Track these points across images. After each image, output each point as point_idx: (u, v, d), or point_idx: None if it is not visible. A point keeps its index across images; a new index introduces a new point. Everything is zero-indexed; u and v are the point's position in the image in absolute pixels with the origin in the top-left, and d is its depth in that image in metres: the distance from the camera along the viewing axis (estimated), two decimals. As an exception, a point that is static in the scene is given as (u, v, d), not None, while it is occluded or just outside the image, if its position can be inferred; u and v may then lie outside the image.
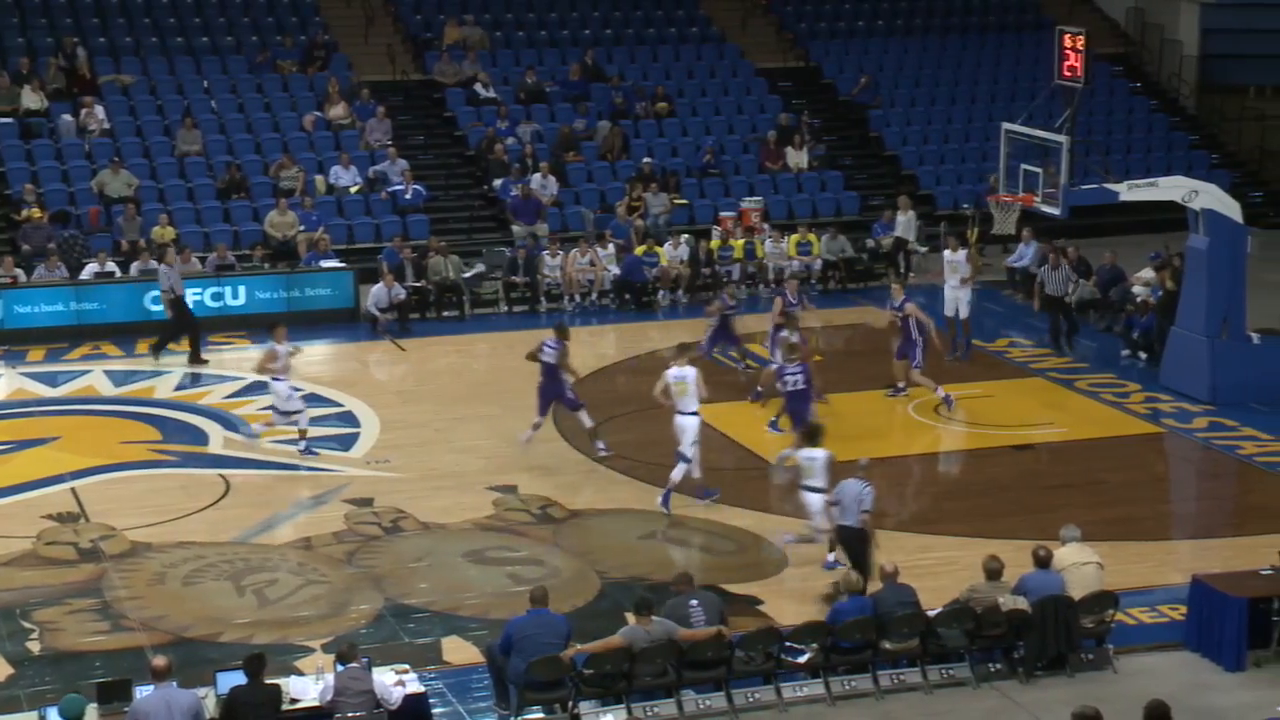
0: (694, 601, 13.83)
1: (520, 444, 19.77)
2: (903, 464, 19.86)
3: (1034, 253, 27.49)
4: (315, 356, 24.50)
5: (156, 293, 25.31)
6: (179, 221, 27.84)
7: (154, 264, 25.98)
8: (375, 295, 25.43)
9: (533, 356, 19.62)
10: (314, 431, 20.87)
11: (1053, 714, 13.47)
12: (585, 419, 19.75)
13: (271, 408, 20.03)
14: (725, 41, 35.09)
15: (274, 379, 19.72)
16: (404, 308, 25.36)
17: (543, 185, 29.72)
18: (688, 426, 17.92)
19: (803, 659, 13.85)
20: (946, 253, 24.26)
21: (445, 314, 26.52)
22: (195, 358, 23.76)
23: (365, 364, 24.10)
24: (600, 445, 19.72)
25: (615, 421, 21.24)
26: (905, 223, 28.92)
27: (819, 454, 16.23)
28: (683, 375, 17.94)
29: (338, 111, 30.95)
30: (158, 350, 23.87)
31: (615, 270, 27.37)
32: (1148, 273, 25.25)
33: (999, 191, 22.94)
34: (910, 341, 21.50)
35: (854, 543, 15.57)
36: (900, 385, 21.93)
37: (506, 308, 26.90)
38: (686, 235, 28.28)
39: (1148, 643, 14.89)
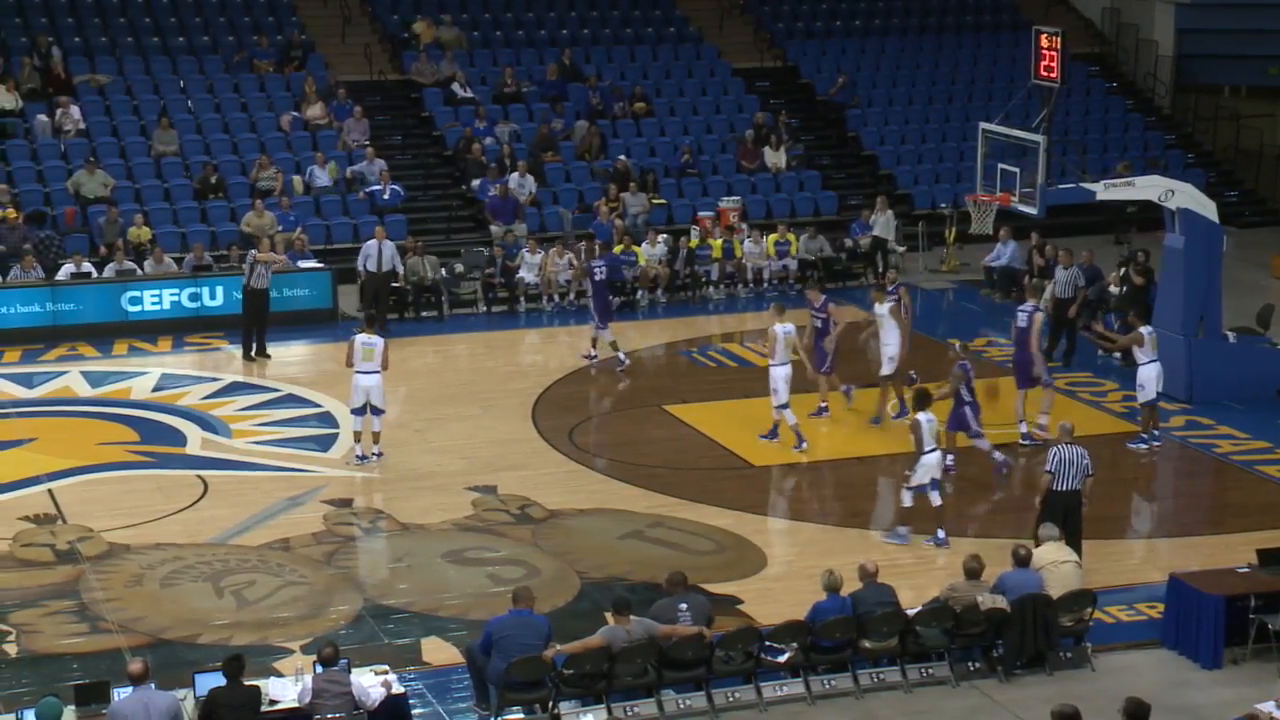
0: (683, 605, 13.82)
1: (618, 369, 23.11)
2: (881, 463, 19.87)
3: (1012, 251, 27.56)
4: (293, 357, 24.46)
5: (133, 294, 25.28)
6: (156, 222, 27.76)
7: (129, 264, 25.93)
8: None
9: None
10: (292, 433, 20.84)
11: (1032, 712, 13.51)
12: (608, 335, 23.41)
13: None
14: (702, 41, 35.11)
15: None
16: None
17: (520, 184, 29.71)
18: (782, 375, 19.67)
19: (782, 658, 13.86)
20: (876, 306, 21.09)
21: (424, 314, 26.48)
22: (257, 351, 23.95)
23: (343, 364, 24.01)
24: (621, 356, 23.32)
25: (594, 422, 21.25)
26: (883, 222, 28.98)
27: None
28: (790, 330, 19.71)
29: (315, 111, 30.89)
30: (257, 351, 23.98)
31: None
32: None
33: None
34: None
35: (1075, 508, 15.83)
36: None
37: (485, 308, 26.86)
38: (665, 235, 28.28)
39: (1126, 641, 14.95)
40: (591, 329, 23.90)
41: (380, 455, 19.62)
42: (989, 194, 22.50)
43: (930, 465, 16.94)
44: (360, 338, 19.70)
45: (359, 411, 19.60)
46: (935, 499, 17.09)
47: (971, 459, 19.93)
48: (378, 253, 25.59)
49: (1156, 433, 20.46)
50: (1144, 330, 20.29)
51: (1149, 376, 20.11)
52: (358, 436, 19.66)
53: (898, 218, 29.84)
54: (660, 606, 13.82)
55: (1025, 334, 20.51)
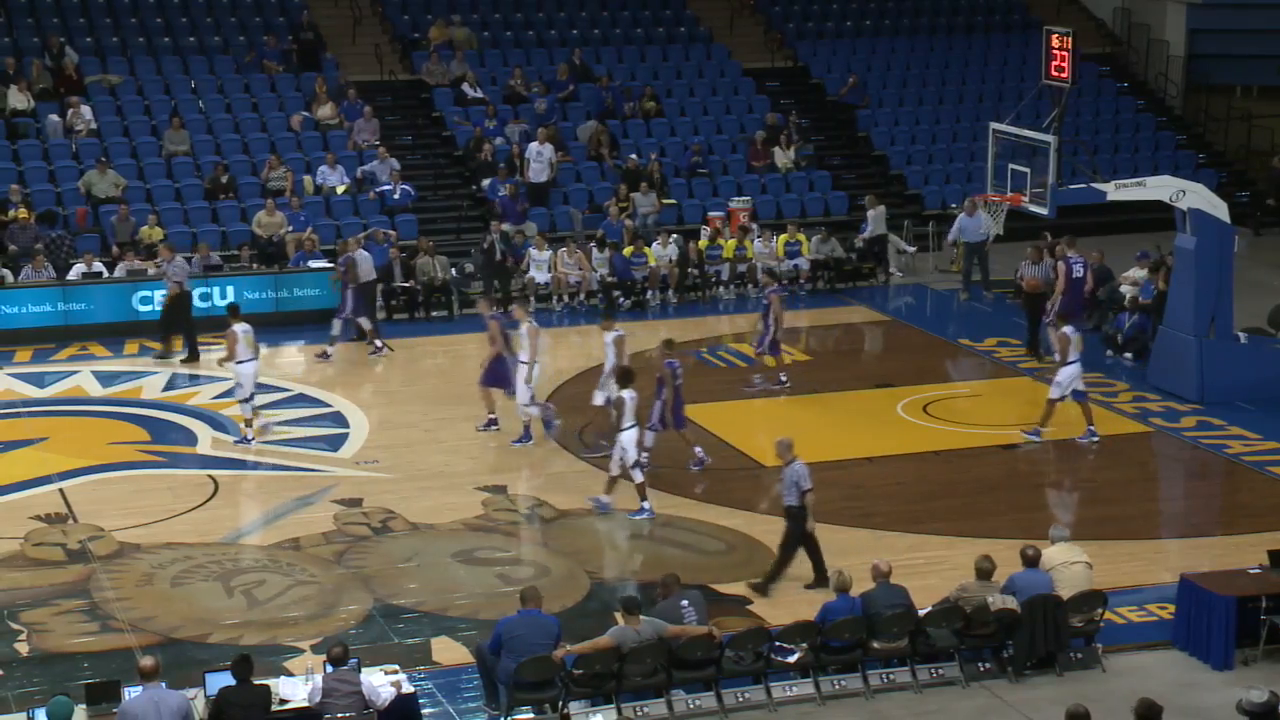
0: (685, 602, 13.87)
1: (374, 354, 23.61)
2: (891, 463, 19.86)
3: (976, 223, 27.30)
4: (303, 357, 24.47)
5: (144, 293, 25.30)
6: (167, 222, 27.78)
7: (138, 264, 25.96)
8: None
9: None
10: (302, 433, 20.87)
11: (1042, 713, 13.50)
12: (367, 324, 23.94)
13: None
14: (713, 41, 35.10)
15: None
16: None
17: (538, 153, 29.72)
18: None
19: (792, 658, 13.86)
20: (607, 335, 20.12)
21: (434, 314, 26.50)
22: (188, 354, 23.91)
23: (353, 364, 24.07)
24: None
25: (605, 421, 21.22)
26: (875, 218, 29.01)
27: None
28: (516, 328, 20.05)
29: (325, 112, 30.92)
30: (168, 351, 23.99)
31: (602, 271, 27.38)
32: (1136, 272, 25.30)
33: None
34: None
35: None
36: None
37: (498, 308, 26.70)
38: (675, 235, 28.28)
39: (1136, 641, 14.93)
40: (358, 323, 24.10)
41: (251, 440, 20.10)
42: (999, 194, 22.50)
43: (629, 441, 17.60)
44: (239, 327, 20.08)
45: (249, 400, 20.12)
46: (637, 475, 17.80)
47: (971, 462, 19.94)
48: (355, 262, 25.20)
49: (1042, 429, 20.42)
50: (1067, 330, 20.35)
51: (1068, 375, 20.17)
52: (248, 421, 20.25)
53: (909, 218, 29.81)
54: (663, 608, 13.82)
55: (1081, 282, 23.31)
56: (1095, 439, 20.36)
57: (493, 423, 20.60)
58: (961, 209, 28.02)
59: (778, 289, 22.76)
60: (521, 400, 20.09)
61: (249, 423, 20.30)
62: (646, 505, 17.86)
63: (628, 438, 17.76)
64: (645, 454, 18.26)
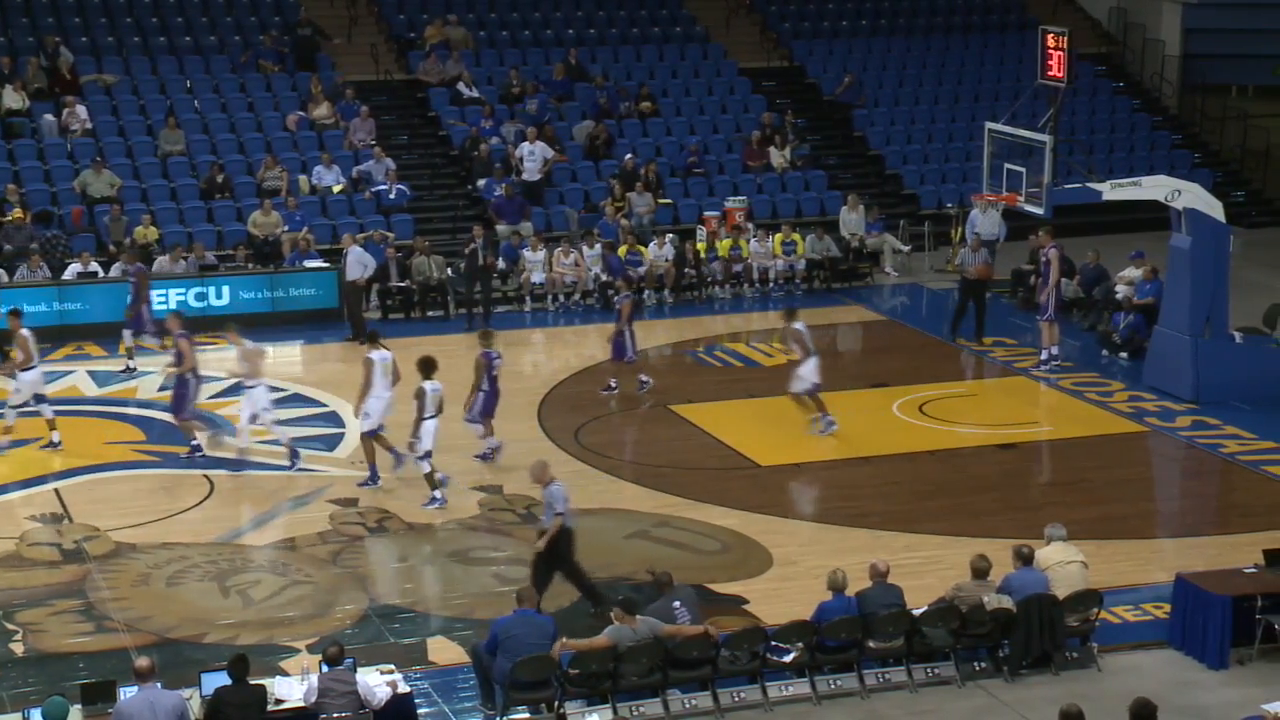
0: (677, 602, 13.87)
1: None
2: (887, 463, 19.87)
3: (991, 220, 27.32)
4: (299, 357, 24.46)
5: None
6: (162, 221, 27.79)
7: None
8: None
9: None
10: (298, 432, 20.84)
11: (1038, 712, 13.50)
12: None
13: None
14: (709, 41, 35.11)
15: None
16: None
17: (530, 152, 29.71)
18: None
19: (788, 658, 13.87)
20: (377, 354, 18.88)
21: (429, 314, 26.49)
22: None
23: (349, 364, 24.03)
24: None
25: (601, 421, 21.25)
26: (854, 220, 29.04)
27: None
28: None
29: (321, 111, 30.90)
30: None
31: (597, 270, 27.37)
32: (1131, 271, 25.31)
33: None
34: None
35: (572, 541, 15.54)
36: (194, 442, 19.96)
37: (482, 309, 26.54)
38: (671, 235, 28.29)
39: (1132, 641, 14.94)
40: (131, 339, 23.46)
41: (60, 444, 19.89)
42: (995, 194, 22.51)
43: (429, 431, 17.96)
44: (28, 333, 19.94)
45: (29, 404, 19.90)
46: (424, 466, 18.06)
47: (967, 462, 19.95)
48: (343, 260, 25.03)
49: (830, 418, 20.52)
50: (798, 325, 20.54)
51: (811, 369, 20.33)
52: (52, 424, 20.01)
53: (904, 217, 29.81)
54: (655, 608, 13.82)
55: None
56: (833, 426, 20.41)
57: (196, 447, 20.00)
58: (976, 206, 27.95)
59: (628, 295, 22.43)
60: (243, 421, 19.55)
61: (7, 430, 19.89)
62: (438, 495, 18.10)
63: (430, 426, 18.00)
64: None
